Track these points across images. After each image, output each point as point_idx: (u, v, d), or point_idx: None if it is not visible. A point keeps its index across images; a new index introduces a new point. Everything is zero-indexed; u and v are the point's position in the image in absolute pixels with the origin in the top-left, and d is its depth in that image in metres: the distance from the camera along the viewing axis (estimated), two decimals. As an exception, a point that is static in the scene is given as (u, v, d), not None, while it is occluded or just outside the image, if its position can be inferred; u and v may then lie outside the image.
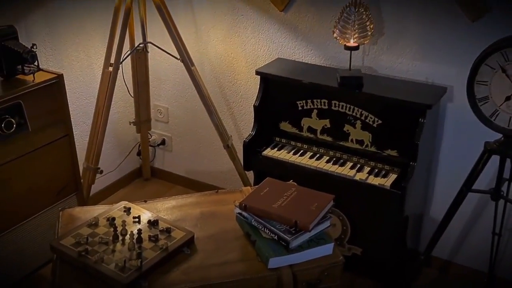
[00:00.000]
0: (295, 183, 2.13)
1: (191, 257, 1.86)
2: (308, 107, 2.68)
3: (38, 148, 2.40)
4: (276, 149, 2.75)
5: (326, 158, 2.66)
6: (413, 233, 2.79)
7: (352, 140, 2.62)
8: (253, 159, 2.75)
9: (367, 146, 2.59)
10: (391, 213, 2.51)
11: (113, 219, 1.97)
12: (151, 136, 3.60)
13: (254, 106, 2.76)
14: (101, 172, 2.89)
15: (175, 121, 3.52)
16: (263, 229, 1.90)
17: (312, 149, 2.72)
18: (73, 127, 2.57)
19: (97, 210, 2.07)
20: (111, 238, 1.87)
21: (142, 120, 3.35)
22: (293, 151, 2.73)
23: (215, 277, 1.77)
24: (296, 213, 1.89)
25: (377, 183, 2.47)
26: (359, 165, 2.60)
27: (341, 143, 2.65)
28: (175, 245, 1.86)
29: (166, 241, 1.86)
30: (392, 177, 2.50)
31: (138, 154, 3.64)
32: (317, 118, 2.68)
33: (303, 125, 2.72)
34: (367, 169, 2.57)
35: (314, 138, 2.72)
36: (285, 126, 2.78)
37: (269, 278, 1.80)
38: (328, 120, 2.65)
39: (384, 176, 2.52)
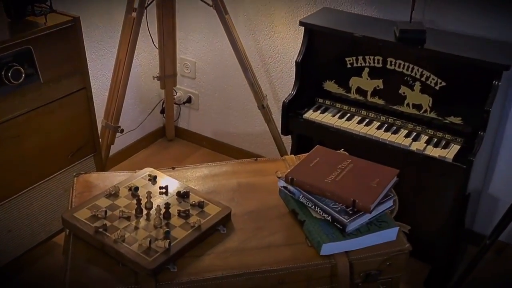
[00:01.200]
0: (347, 153, 1.81)
1: (228, 237, 1.57)
2: (359, 64, 2.34)
3: (51, 102, 2.10)
4: (319, 111, 2.43)
5: (376, 123, 2.34)
6: (471, 211, 2.47)
7: (408, 104, 2.28)
8: (292, 122, 2.43)
9: (425, 111, 2.25)
10: (451, 189, 2.19)
11: (136, 189, 1.68)
12: (176, 93, 3.29)
13: (296, 62, 2.43)
14: (122, 131, 2.59)
15: (203, 77, 3.20)
16: (313, 207, 1.60)
17: (360, 113, 2.39)
18: (91, 81, 2.26)
19: (118, 177, 1.78)
20: (133, 212, 1.58)
21: (167, 74, 3.03)
22: (338, 114, 2.40)
23: (256, 263, 1.49)
24: (354, 190, 1.58)
25: (436, 155, 2.15)
26: (415, 133, 2.27)
27: (395, 107, 2.32)
28: (209, 223, 1.57)
29: (198, 218, 1.57)
30: (455, 148, 2.17)
31: (162, 112, 3.34)
32: (369, 78, 2.34)
33: (352, 85, 2.39)
34: (424, 138, 2.24)
35: (363, 101, 2.38)
36: (330, 86, 2.44)
37: (321, 267, 1.50)
38: (381, 80, 2.31)
39: (445, 146, 2.19)
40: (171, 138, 3.42)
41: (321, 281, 1.52)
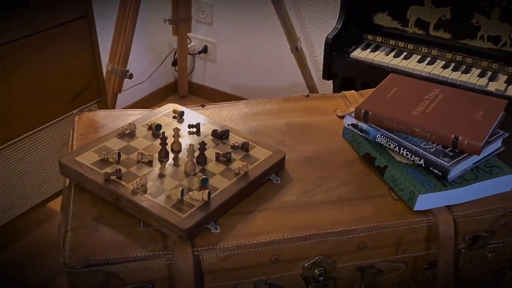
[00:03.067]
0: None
1: (284, 189, 1.17)
2: (421, -11, 1.92)
3: (44, 31, 1.67)
4: (369, 50, 2.01)
5: (441, 62, 1.92)
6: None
7: (482, 37, 1.86)
8: (337, 63, 2.01)
9: (504, 45, 1.83)
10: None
11: (159, 127, 1.26)
12: (190, 41, 2.86)
13: (342, -12, 2.00)
14: (131, 76, 2.17)
15: (221, 22, 2.76)
16: (396, 149, 1.19)
17: (420, 51, 1.97)
18: (94, 13, 1.83)
19: (131, 116, 1.37)
20: (157, 155, 1.17)
21: (181, 17, 2.60)
22: (393, 53, 1.99)
23: (327, 222, 1.08)
24: (454, 124, 1.17)
25: (522, 97, 1.73)
26: (490, 72, 1.86)
27: (464, 41, 1.90)
28: (258, 170, 1.16)
29: (244, 163, 1.15)
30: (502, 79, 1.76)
31: (174, 64, 2.91)
32: (432, 6, 1.91)
33: (410, 16, 1.96)
34: (503, 77, 1.83)
35: (424, 36, 1.96)
36: (382, 19, 2.02)
37: (416, 226, 1.10)
38: (448, 8, 1.89)
39: (530, 87, 1.77)
40: (184, 94, 2.99)
41: (414, 246, 1.12)
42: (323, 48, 2.24)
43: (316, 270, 1.08)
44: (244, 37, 2.72)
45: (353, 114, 1.27)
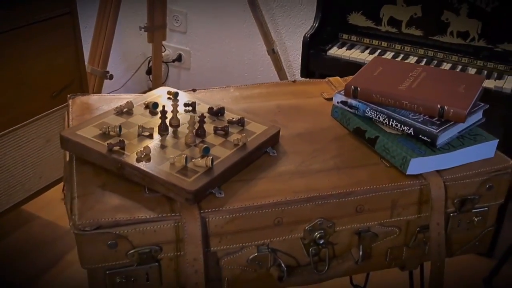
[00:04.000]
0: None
1: (281, 160, 1.21)
2: (393, -11, 2.01)
3: (28, 25, 1.69)
4: (344, 48, 2.08)
5: (414, 58, 2.02)
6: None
7: (452, 33, 1.97)
8: (314, 61, 2.09)
9: (473, 39, 1.94)
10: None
11: (155, 105, 1.29)
12: (164, 50, 2.90)
13: (317, -12, 2.08)
14: (111, 77, 2.19)
15: (196, 31, 2.82)
16: (386, 121, 1.25)
17: (393, 48, 2.06)
18: (78, 12, 1.86)
19: (124, 100, 1.39)
20: (157, 129, 1.20)
21: (156, 25, 2.63)
22: (367, 50, 2.07)
23: (326, 186, 1.12)
24: (440, 96, 1.24)
25: (492, 86, 1.83)
26: (460, 66, 1.95)
27: (435, 37, 2.00)
28: (255, 142, 1.20)
29: (241, 135, 1.19)
30: (510, 80, 1.86)
31: (148, 72, 2.94)
32: (404, 5, 2.01)
33: (383, 15, 2.06)
34: (472, 70, 1.94)
35: (397, 33, 2.06)
36: (357, 18, 2.11)
37: (409, 189, 1.15)
38: (419, 6, 1.99)
39: (499, 78, 1.87)
40: (158, 102, 3.02)
41: (407, 210, 1.17)
42: (297, 52, 2.32)
43: (317, 233, 1.12)
44: (219, 45, 2.78)
45: (342, 92, 1.33)
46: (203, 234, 1.03)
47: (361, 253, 1.16)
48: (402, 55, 2.03)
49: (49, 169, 1.89)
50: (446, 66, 1.96)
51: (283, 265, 1.12)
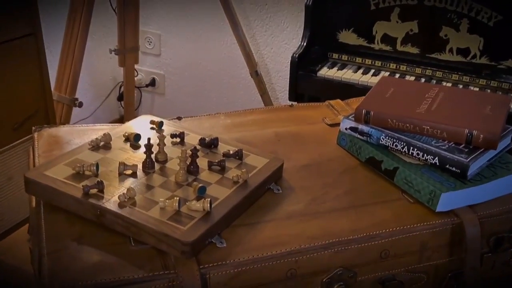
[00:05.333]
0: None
1: (288, 198, 1.03)
2: (386, 4, 1.88)
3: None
4: (335, 68, 1.93)
5: (410, 78, 1.88)
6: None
7: (451, 50, 1.83)
8: (303, 83, 1.93)
9: (474, 57, 1.81)
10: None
11: (138, 137, 1.11)
12: (137, 74, 2.71)
13: (305, 5, 1.93)
14: (80, 104, 1.99)
15: (170, 53, 2.64)
16: (405, 149, 1.09)
17: (388, 67, 1.92)
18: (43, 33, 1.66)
19: (100, 131, 1.20)
20: (141, 166, 1.01)
21: (128, 47, 2.44)
22: (360, 71, 1.92)
23: (344, 229, 0.95)
24: (464, 120, 1.09)
25: (497, 106, 1.69)
26: (461, 85, 1.82)
27: (433, 55, 1.87)
28: (258, 179, 1.02)
29: (241, 171, 1.01)
30: (517, 98, 1.72)
31: (119, 98, 2.74)
32: (399, 21, 1.88)
33: (376, 32, 1.92)
34: (475, 90, 1.79)
35: (391, 51, 1.92)
36: (348, 36, 1.96)
37: (440, 228, 0.99)
38: (415, 22, 1.86)
39: (504, 97, 1.74)
40: (131, 130, 2.81)
41: (438, 253, 1.01)
42: (280, 74, 2.16)
43: (336, 286, 0.94)
44: (195, 68, 2.60)
45: (351, 117, 1.17)
46: (203, 294, 0.84)
47: (388, 306, 0.98)
48: (398, 75, 1.89)
49: (11, 211, 1.67)
50: (447, 85, 1.82)
51: (298, 326, 0.93)
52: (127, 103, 2.62)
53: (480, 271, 1.03)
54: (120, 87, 2.69)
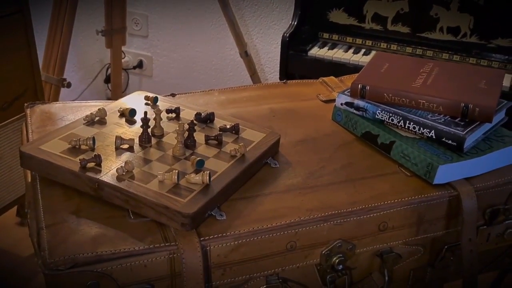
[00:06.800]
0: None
1: (286, 172, 1.03)
2: (377, -17, 1.87)
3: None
4: (326, 48, 1.93)
5: (401, 57, 1.87)
6: None
7: (441, 29, 1.84)
8: (294, 63, 1.92)
9: (465, 35, 1.81)
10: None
11: (133, 112, 1.09)
12: (124, 56, 2.68)
13: (296, -16, 1.92)
14: (69, 85, 1.97)
15: (158, 34, 2.61)
16: (401, 123, 1.09)
17: (379, 46, 1.92)
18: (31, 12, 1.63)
19: (93, 107, 1.18)
20: (137, 140, 1.00)
21: (115, 28, 2.41)
22: (351, 50, 1.92)
23: (343, 202, 0.95)
24: (460, 93, 1.09)
25: (488, 85, 1.70)
26: (451, 65, 1.82)
27: (423, 34, 1.87)
28: (255, 153, 1.02)
29: (240, 144, 1.01)
30: (506, 77, 1.74)
31: (106, 81, 2.71)
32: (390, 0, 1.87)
33: (367, 11, 1.92)
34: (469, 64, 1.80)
35: (381, 31, 1.92)
36: (338, 16, 1.96)
37: (437, 200, 1.00)
38: (406, 1, 1.86)
39: (494, 76, 1.75)
40: (118, 113, 2.79)
41: (435, 225, 1.02)
42: (269, 55, 2.15)
43: (335, 258, 0.95)
44: (183, 49, 2.58)
45: (346, 92, 1.17)
46: (204, 267, 0.84)
47: (386, 278, 0.98)
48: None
49: (1, 191, 1.65)
50: (436, 64, 1.83)
51: (298, 298, 0.94)
52: (114, 85, 2.60)
53: (476, 244, 1.04)
54: (107, 69, 2.67)
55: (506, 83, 1.69)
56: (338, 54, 1.88)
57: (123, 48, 2.58)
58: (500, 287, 1.74)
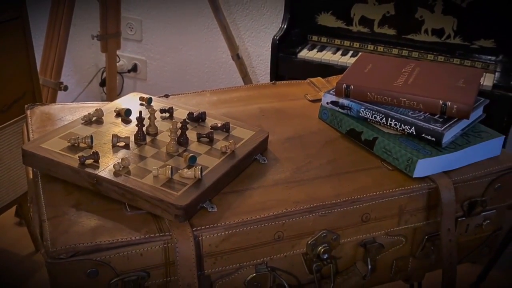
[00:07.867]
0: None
1: (274, 168, 1.08)
2: (364, -13, 1.93)
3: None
4: (315, 50, 1.99)
5: (388, 58, 1.93)
6: None
7: (426, 31, 1.90)
8: (284, 65, 1.98)
9: (448, 37, 1.87)
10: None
11: (128, 112, 1.15)
12: (119, 60, 2.73)
13: (285, -12, 1.98)
14: (65, 88, 2.02)
15: (151, 39, 2.67)
16: (383, 121, 1.15)
17: (366, 48, 1.98)
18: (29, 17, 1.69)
19: (90, 109, 1.24)
20: (133, 138, 1.06)
21: (110, 33, 2.47)
22: (339, 52, 1.98)
23: (328, 194, 1.01)
24: (440, 91, 1.15)
25: (471, 84, 1.76)
26: (436, 65, 1.88)
27: (409, 36, 1.93)
28: (244, 149, 1.08)
29: (229, 142, 1.06)
30: (489, 76, 1.80)
31: (102, 84, 2.77)
32: (376, 3, 1.94)
33: (354, 15, 1.98)
34: (448, 63, 1.87)
35: (369, 33, 1.98)
36: (326, 19, 2.02)
37: (417, 192, 1.05)
38: (392, 4, 1.92)
39: (477, 76, 1.81)
40: (113, 116, 2.84)
41: (415, 216, 1.07)
42: (260, 58, 2.20)
43: (320, 247, 1.00)
44: (176, 53, 2.64)
45: (332, 91, 1.22)
46: (196, 255, 0.89)
47: (369, 266, 1.04)
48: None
49: (0, 192, 1.70)
50: (422, 65, 1.89)
51: (286, 285, 0.99)
52: (109, 88, 2.65)
53: (455, 234, 1.09)
54: (103, 73, 2.72)
55: (488, 82, 1.75)
56: (327, 56, 1.94)
57: (118, 52, 2.63)
58: (485, 280, 1.80)
